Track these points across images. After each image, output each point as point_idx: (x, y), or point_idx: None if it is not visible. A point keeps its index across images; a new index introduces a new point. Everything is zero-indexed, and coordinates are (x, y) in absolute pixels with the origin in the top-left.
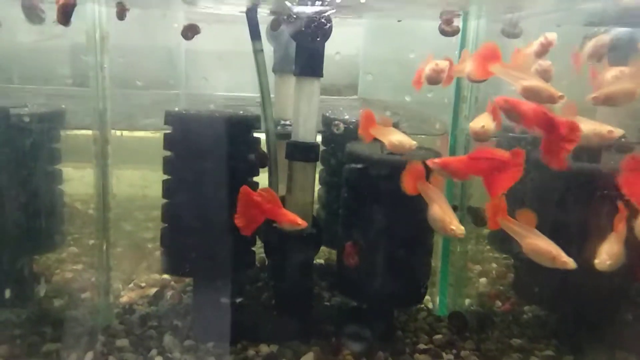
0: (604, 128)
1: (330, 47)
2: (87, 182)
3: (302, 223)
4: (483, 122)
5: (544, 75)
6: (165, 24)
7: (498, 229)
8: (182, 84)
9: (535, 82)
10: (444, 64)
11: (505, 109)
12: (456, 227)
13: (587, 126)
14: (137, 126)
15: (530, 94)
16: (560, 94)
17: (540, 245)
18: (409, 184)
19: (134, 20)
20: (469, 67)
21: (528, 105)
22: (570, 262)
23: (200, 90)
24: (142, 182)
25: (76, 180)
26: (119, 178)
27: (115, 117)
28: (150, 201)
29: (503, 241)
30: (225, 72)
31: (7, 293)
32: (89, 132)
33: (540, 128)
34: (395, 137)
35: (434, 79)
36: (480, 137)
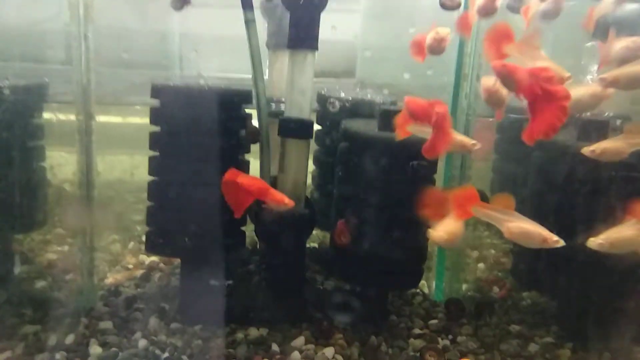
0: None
1: (328, 32)
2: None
3: (288, 202)
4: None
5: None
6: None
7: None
8: (175, 65)
9: (546, 64)
10: (445, 32)
11: (502, 74)
12: (555, 238)
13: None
14: (123, 101)
15: None
16: (567, 74)
17: (527, 228)
18: (462, 211)
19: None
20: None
21: (524, 72)
22: (561, 241)
23: (195, 72)
24: (132, 166)
25: (67, 164)
26: (111, 163)
27: (102, 93)
28: (140, 184)
29: None
30: (221, 54)
31: None
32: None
33: (533, 96)
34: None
35: (436, 49)
36: (493, 97)
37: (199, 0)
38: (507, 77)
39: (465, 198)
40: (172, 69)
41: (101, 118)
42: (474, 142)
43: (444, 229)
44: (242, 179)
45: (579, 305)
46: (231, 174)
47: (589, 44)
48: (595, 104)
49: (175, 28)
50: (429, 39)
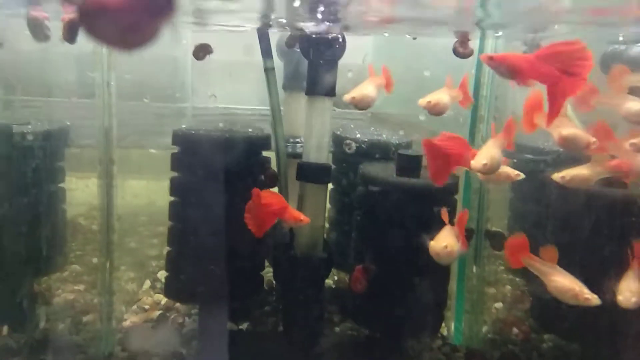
0: None
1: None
2: (91, 193)
3: (304, 219)
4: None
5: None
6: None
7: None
8: (189, 97)
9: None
10: (436, 98)
11: (493, 66)
12: (591, 296)
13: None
14: (143, 145)
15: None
16: (593, 139)
17: (564, 283)
18: (513, 259)
19: None
20: None
21: (516, 57)
22: (593, 299)
23: (208, 104)
24: (147, 192)
25: (80, 191)
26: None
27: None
28: (155, 215)
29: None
30: (234, 85)
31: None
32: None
33: (540, 79)
34: (568, 131)
35: (433, 112)
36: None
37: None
38: (498, 67)
39: (518, 247)
40: (186, 101)
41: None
42: (517, 172)
43: (443, 242)
44: (265, 194)
45: (604, 350)
46: (255, 192)
47: None
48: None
49: (187, 57)
50: (423, 102)
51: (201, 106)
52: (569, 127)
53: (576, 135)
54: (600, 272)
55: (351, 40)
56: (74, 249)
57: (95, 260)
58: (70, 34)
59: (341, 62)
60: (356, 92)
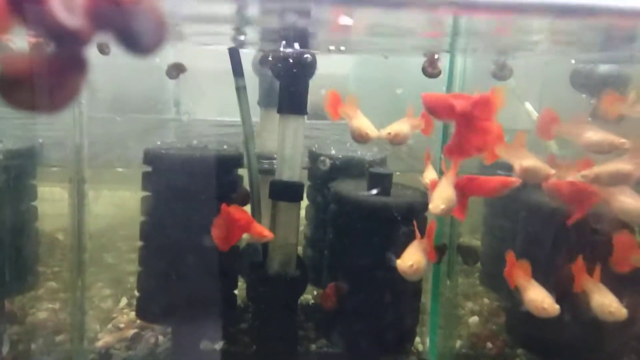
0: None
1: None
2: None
3: (268, 235)
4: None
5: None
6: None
7: (488, 267)
8: (170, 109)
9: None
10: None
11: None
12: (546, 305)
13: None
14: (116, 165)
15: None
16: (553, 171)
17: (535, 294)
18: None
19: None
20: None
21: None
22: (555, 308)
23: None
24: (127, 204)
25: (61, 202)
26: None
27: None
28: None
29: (494, 279)
30: (217, 95)
31: None
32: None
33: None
34: (528, 162)
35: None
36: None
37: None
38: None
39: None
40: (168, 113)
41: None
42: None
43: (409, 261)
44: (231, 210)
45: None
46: (223, 208)
47: None
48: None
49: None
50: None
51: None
52: (529, 158)
53: (536, 166)
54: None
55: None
56: (52, 265)
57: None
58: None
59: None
60: (392, 128)
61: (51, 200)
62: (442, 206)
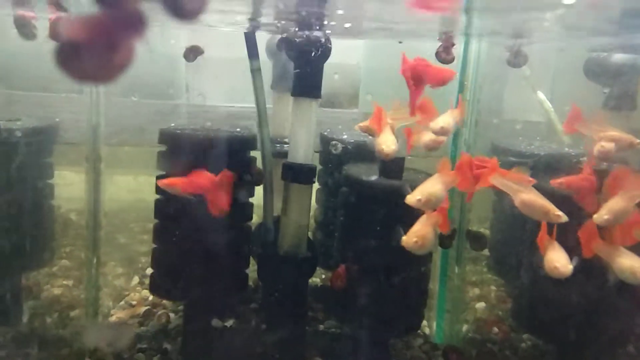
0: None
1: (330, 61)
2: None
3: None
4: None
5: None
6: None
7: (496, 254)
8: (182, 94)
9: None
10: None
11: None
12: (561, 214)
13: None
14: (132, 142)
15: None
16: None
17: (534, 200)
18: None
19: None
20: None
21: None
22: (563, 216)
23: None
24: (139, 187)
25: (75, 186)
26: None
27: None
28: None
29: (501, 266)
30: (229, 82)
31: None
32: None
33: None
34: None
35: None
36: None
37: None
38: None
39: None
40: (179, 98)
41: None
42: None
43: (415, 234)
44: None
45: (577, 351)
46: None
47: None
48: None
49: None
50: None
51: (199, 104)
52: (529, 192)
53: (536, 202)
54: None
55: (342, 42)
56: (65, 244)
57: (83, 255)
58: (57, 33)
59: (333, 63)
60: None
61: (70, 180)
62: (419, 197)
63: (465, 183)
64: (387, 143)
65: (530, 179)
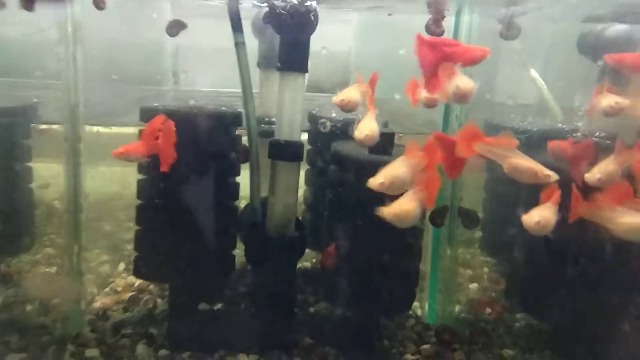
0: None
1: (319, 44)
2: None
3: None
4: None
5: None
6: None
7: (489, 235)
8: (169, 80)
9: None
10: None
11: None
12: (550, 172)
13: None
14: (112, 122)
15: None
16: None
17: (521, 163)
18: (464, 147)
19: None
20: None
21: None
22: (553, 175)
23: (190, 87)
24: (123, 174)
25: (56, 178)
26: (99, 175)
27: (91, 113)
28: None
29: (494, 246)
30: (216, 67)
31: None
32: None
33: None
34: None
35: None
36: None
37: (194, 11)
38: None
39: (470, 135)
40: (166, 84)
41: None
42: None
43: (397, 207)
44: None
45: (572, 329)
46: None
47: None
48: None
49: (168, 40)
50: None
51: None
52: (516, 156)
53: (524, 164)
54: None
55: (334, 27)
56: (49, 232)
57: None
58: (28, 2)
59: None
60: (343, 95)
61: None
62: (382, 180)
63: (433, 165)
64: (364, 129)
65: (514, 140)
